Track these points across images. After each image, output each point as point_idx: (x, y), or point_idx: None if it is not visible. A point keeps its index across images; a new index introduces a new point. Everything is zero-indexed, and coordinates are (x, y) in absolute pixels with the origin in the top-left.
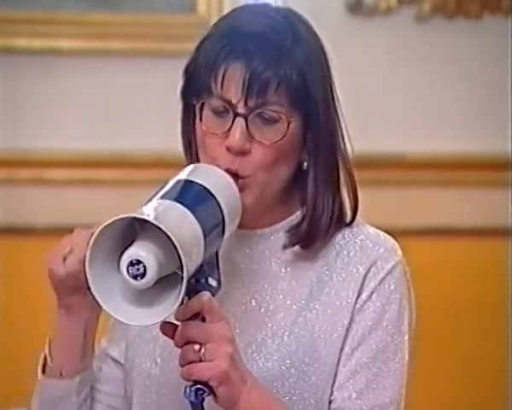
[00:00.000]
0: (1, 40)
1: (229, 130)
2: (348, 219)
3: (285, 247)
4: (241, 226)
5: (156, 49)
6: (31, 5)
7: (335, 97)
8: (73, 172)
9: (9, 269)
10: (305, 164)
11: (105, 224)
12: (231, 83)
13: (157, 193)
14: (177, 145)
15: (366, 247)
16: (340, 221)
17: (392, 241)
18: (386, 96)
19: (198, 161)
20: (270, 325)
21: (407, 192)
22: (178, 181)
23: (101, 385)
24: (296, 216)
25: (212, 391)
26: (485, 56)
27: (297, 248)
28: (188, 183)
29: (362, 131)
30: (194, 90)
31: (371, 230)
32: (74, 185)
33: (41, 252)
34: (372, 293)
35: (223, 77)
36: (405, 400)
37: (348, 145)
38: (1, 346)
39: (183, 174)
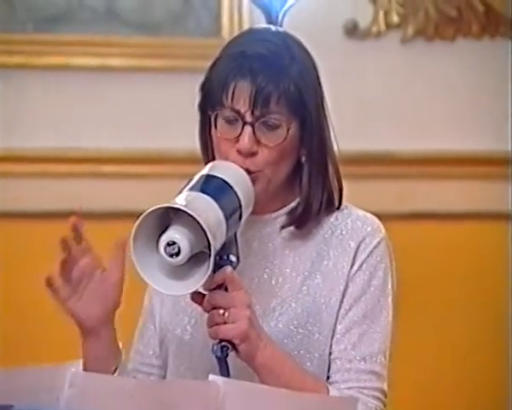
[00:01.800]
0: (63, 59)
1: (239, 135)
2: (336, 204)
3: (283, 227)
4: (252, 213)
5: (188, 67)
6: (87, 30)
7: (325, 105)
8: (125, 166)
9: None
10: (303, 159)
11: (145, 212)
12: (240, 96)
13: (185, 186)
14: (183, 143)
15: (356, 226)
16: (329, 206)
17: (377, 221)
18: (378, 104)
19: (214, 160)
20: (279, 294)
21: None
22: (202, 176)
23: (143, 358)
24: (296, 203)
25: (234, 348)
26: (459, 73)
27: (293, 228)
28: (210, 177)
29: (360, 133)
30: (209, 103)
31: (360, 212)
32: (124, 178)
33: (102, 235)
34: (362, 264)
35: (233, 92)
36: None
37: (335, 144)
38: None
39: (206, 170)
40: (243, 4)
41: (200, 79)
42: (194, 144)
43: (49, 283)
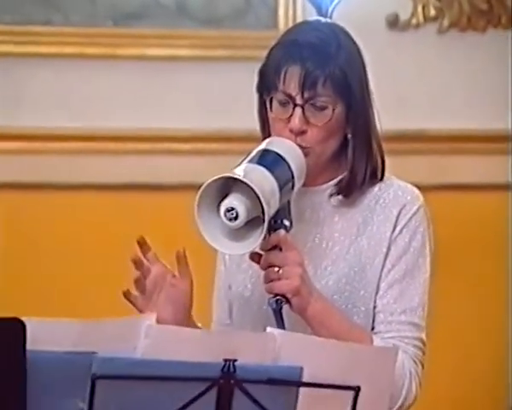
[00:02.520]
0: (139, 50)
1: (291, 116)
2: (379, 176)
3: (331, 196)
4: (304, 185)
5: (248, 56)
6: (160, 24)
7: (369, 88)
8: (193, 144)
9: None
10: (349, 136)
11: (207, 182)
12: (291, 81)
13: (244, 159)
14: (244, 123)
15: (397, 195)
16: (373, 178)
17: (416, 190)
18: (415, 88)
19: (270, 136)
20: (329, 255)
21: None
22: (259, 150)
23: (219, 319)
24: (343, 175)
25: (287, 301)
26: (489, 61)
27: (341, 198)
28: (266, 151)
29: (398, 114)
30: (265, 87)
31: (401, 183)
32: (194, 154)
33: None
34: (402, 228)
35: (284, 76)
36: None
37: (378, 124)
38: None
39: (262, 145)
40: (297, 1)
41: (257, 68)
42: (251, 124)
43: (127, 296)
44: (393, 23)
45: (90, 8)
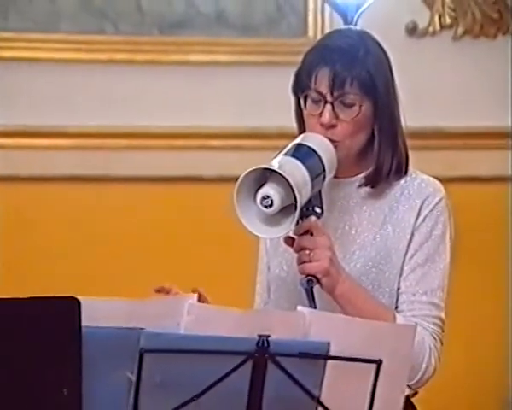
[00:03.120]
0: (182, 56)
1: (322, 112)
2: (404, 170)
3: (359, 186)
4: (336, 176)
5: (280, 61)
6: (202, 32)
7: (395, 89)
8: (230, 141)
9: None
10: (376, 131)
11: (246, 172)
12: (322, 81)
13: (280, 152)
14: (290, 122)
15: (421, 187)
16: (398, 171)
17: (439, 183)
18: (432, 89)
19: (305, 132)
20: (358, 241)
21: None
22: (294, 144)
23: (261, 298)
24: (372, 169)
25: (318, 281)
26: (499, 65)
27: (369, 189)
28: (300, 145)
29: (417, 112)
30: (300, 87)
31: (424, 176)
32: (231, 150)
33: (210, 196)
34: (425, 217)
35: (316, 77)
36: None
37: (403, 121)
38: None
39: (297, 140)
40: (325, 10)
41: (291, 70)
42: (282, 123)
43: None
44: (412, 30)
45: (138, 19)
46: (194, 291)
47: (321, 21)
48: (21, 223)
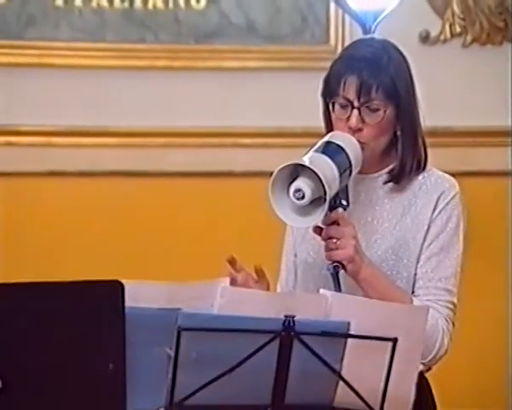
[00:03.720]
0: (216, 63)
1: (349, 117)
2: (422, 166)
3: (385, 183)
4: (360, 172)
5: (305, 67)
6: (233, 41)
7: (415, 93)
8: (259, 139)
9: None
10: (399, 133)
11: (280, 167)
12: (349, 88)
13: (310, 149)
14: (318, 123)
15: (437, 183)
16: (418, 168)
17: (454, 180)
18: (444, 92)
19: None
20: (379, 231)
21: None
22: (323, 142)
23: (287, 282)
24: (393, 165)
25: (343, 267)
26: (505, 69)
27: (391, 184)
28: (329, 142)
29: (430, 113)
30: (328, 93)
31: (440, 173)
32: (260, 147)
33: (243, 189)
34: (441, 211)
35: (344, 84)
36: None
37: (422, 122)
38: None
39: (326, 137)
40: (345, 20)
41: (314, 75)
42: (306, 123)
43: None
44: (425, 38)
45: (175, 29)
46: (256, 269)
47: (341, 31)
48: (71, 213)
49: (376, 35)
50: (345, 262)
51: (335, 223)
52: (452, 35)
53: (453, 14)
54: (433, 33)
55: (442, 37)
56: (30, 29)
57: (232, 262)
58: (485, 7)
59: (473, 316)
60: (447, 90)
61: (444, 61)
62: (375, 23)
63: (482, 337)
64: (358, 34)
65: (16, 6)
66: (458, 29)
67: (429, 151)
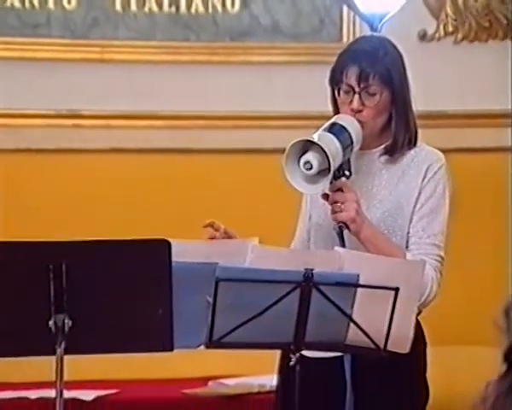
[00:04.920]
0: (247, 57)
1: (351, 100)
2: (413, 142)
3: (380, 155)
4: (361, 148)
5: (321, 61)
6: (262, 39)
7: (408, 82)
8: (282, 122)
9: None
10: (393, 114)
11: (292, 142)
12: (351, 76)
13: (318, 128)
14: (327, 107)
15: (427, 156)
16: (409, 143)
17: (440, 153)
18: (438, 81)
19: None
20: (378, 197)
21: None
22: (329, 123)
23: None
24: (389, 142)
25: (347, 227)
26: (490, 63)
27: (387, 157)
28: (334, 123)
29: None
30: (334, 80)
31: (429, 148)
32: (283, 129)
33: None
34: (430, 179)
35: (347, 73)
36: None
37: (414, 106)
38: None
39: (332, 119)
40: (356, 21)
41: (328, 69)
42: (322, 108)
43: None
44: (422, 36)
45: (213, 29)
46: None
47: (353, 30)
48: (128, 183)
49: (376, 33)
50: (348, 222)
51: (340, 190)
52: (446, 33)
53: (446, 16)
54: (430, 32)
55: (437, 35)
56: (94, 30)
57: (211, 225)
58: (474, 10)
59: (466, 265)
60: (441, 80)
61: (438, 56)
62: (381, 23)
63: (473, 282)
64: (367, 33)
65: (83, 11)
66: (451, 28)
67: (425, 131)
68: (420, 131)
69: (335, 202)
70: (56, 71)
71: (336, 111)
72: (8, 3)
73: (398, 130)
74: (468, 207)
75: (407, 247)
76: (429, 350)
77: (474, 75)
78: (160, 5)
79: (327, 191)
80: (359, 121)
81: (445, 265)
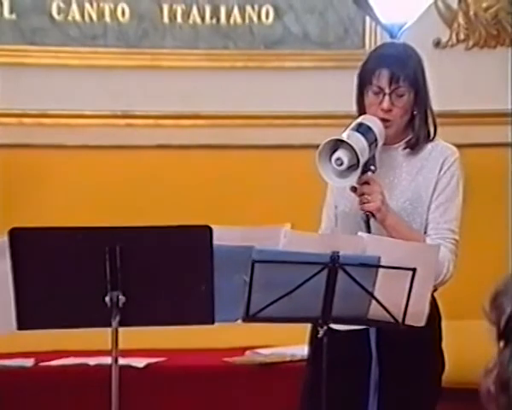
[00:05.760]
0: (280, 63)
1: (382, 101)
2: (431, 137)
3: (402, 149)
4: (384, 144)
5: (346, 66)
6: (292, 47)
7: (427, 84)
8: (311, 120)
9: None
10: (415, 113)
11: (324, 141)
12: (382, 78)
13: (347, 128)
14: (351, 108)
15: (442, 150)
16: (428, 138)
17: (454, 148)
18: (451, 84)
19: (363, 114)
20: (399, 187)
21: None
22: (357, 123)
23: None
24: (409, 138)
25: (373, 215)
26: (497, 67)
27: (408, 151)
28: (361, 123)
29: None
30: (363, 84)
31: (445, 143)
32: (311, 127)
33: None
34: (446, 171)
35: (378, 75)
36: None
37: (433, 105)
38: None
39: (359, 119)
40: (377, 30)
41: (353, 73)
42: (347, 108)
43: None
44: (437, 44)
45: (250, 38)
46: None
47: (374, 38)
48: (174, 176)
49: (396, 40)
50: (374, 212)
51: (366, 183)
52: (458, 41)
53: (459, 25)
54: (444, 40)
55: (450, 42)
56: (144, 40)
57: None
58: (483, 19)
59: (475, 248)
60: (453, 83)
61: (451, 61)
62: (400, 32)
63: (481, 262)
64: (387, 41)
65: (135, 23)
66: (462, 36)
67: (440, 129)
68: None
69: (363, 194)
70: (112, 76)
71: (361, 111)
72: (70, 18)
73: (419, 127)
74: (476, 195)
75: (425, 232)
76: (444, 324)
77: (483, 78)
78: (202, 17)
79: (355, 184)
80: (387, 120)
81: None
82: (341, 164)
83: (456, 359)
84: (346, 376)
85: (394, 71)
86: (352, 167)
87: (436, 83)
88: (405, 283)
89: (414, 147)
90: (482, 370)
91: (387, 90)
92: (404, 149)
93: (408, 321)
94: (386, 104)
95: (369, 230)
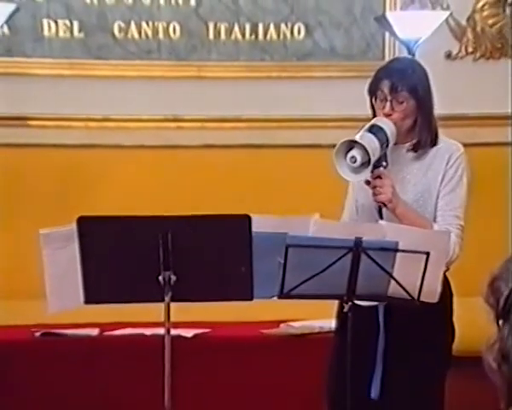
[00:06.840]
0: (307, 73)
1: (385, 106)
2: (434, 142)
3: (408, 151)
4: (395, 144)
5: (368, 76)
6: (318, 59)
7: (431, 93)
8: (336, 123)
9: None
10: (419, 118)
11: (340, 141)
12: (385, 88)
13: (360, 129)
14: (365, 111)
15: (448, 147)
16: (432, 141)
17: (459, 144)
18: (459, 91)
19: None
20: (411, 182)
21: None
22: (369, 124)
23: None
24: (415, 140)
25: (385, 206)
26: (501, 76)
27: (413, 153)
28: (373, 125)
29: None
30: (372, 91)
31: (450, 140)
32: (336, 128)
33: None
34: (452, 165)
35: (381, 86)
36: None
37: (435, 112)
38: None
39: (371, 122)
40: (396, 44)
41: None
42: (367, 112)
43: None
44: (448, 55)
45: (284, 52)
46: None
47: (393, 51)
48: (216, 174)
49: (410, 55)
50: (386, 202)
51: (379, 177)
52: (467, 53)
53: (467, 39)
54: (454, 52)
55: (460, 54)
56: (193, 54)
57: None
58: (489, 34)
59: (482, 232)
60: (462, 90)
61: (461, 71)
62: (416, 46)
63: (485, 247)
64: (404, 53)
65: (185, 39)
66: (471, 49)
67: (449, 130)
68: (444, 130)
69: (375, 187)
70: (164, 86)
71: (374, 114)
72: (129, 35)
73: (421, 131)
74: (481, 186)
75: (435, 219)
76: (456, 300)
77: (488, 85)
78: (243, 34)
79: (368, 179)
80: None
81: (466, 231)
82: (355, 161)
83: (466, 330)
84: (357, 346)
85: (394, 81)
86: (364, 164)
87: (447, 89)
88: (420, 265)
89: (417, 149)
90: (484, 345)
91: (389, 97)
92: (410, 150)
93: (423, 298)
94: (386, 109)
95: (381, 218)
